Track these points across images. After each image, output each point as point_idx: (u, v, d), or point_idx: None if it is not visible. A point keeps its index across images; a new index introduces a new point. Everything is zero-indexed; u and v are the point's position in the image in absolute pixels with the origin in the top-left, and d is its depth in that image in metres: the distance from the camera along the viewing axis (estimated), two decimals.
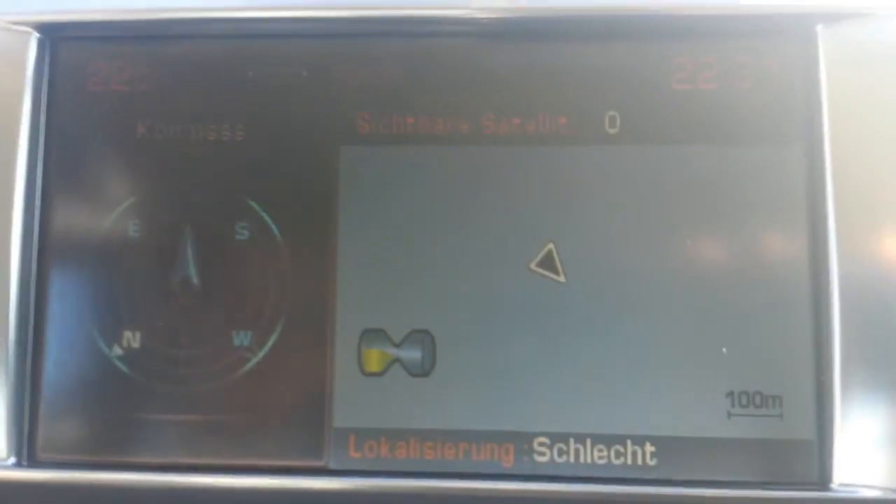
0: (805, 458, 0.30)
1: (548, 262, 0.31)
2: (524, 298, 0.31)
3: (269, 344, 0.32)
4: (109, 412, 0.32)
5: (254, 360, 0.32)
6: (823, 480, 0.30)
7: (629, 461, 0.31)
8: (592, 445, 0.31)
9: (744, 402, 0.30)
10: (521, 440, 0.31)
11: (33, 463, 0.32)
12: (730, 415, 0.30)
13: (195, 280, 0.32)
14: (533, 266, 0.31)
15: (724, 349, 0.30)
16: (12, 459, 0.32)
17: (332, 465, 0.31)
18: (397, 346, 0.31)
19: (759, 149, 0.31)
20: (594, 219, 0.31)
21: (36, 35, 0.33)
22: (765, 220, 0.31)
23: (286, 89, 0.33)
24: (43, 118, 0.33)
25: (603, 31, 0.32)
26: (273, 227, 0.32)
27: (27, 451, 0.32)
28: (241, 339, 0.32)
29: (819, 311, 0.30)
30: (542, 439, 0.31)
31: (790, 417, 0.30)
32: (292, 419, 0.32)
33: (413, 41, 0.32)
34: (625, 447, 0.31)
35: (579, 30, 0.32)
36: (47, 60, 0.33)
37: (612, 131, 0.31)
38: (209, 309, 0.32)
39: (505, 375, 0.31)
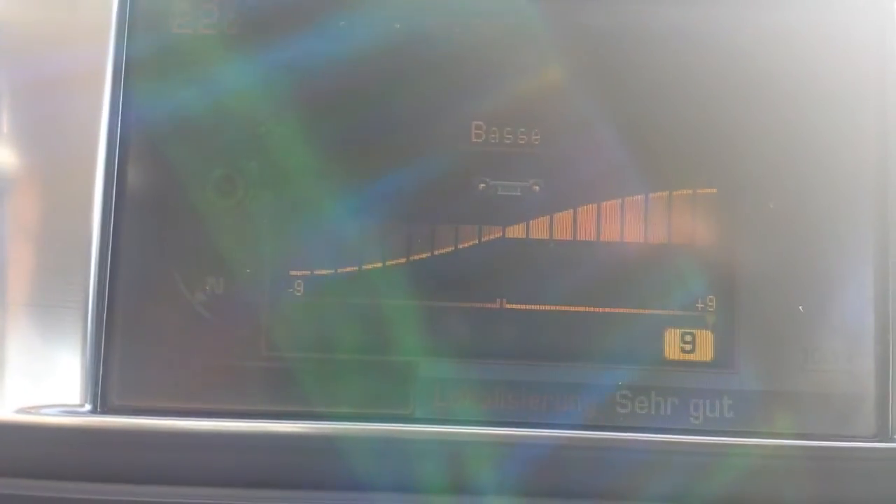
0: (868, 412, 0.32)
1: None
2: None
3: None
4: (190, 358, 0.32)
5: None
6: (884, 432, 0.32)
7: (707, 413, 0.32)
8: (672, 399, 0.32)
9: (816, 358, 0.32)
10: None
11: (109, 410, 0.32)
12: (803, 370, 0.32)
13: None
14: None
15: (800, 308, 0.32)
16: (88, 406, 0.31)
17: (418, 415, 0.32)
18: None
19: None
20: None
21: None
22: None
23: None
24: (124, 59, 0.32)
25: None
26: None
27: (102, 398, 0.32)
28: None
29: (883, 274, 0.32)
30: (623, 391, 0.32)
31: (855, 373, 0.32)
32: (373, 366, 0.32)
33: None
34: (702, 400, 0.32)
35: None
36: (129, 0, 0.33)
37: None
38: None
39: None
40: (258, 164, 0.32)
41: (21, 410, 0.31)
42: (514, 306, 0.32)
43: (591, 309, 0.32)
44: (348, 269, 0.32)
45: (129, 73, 0.32)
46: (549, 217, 0.33)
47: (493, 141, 0.33)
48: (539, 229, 0.33)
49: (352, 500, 0.32)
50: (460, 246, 0.33)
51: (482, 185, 0.33)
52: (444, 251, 0.32)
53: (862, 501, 0.32)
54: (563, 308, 0.32)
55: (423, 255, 0.32)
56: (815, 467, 0.31)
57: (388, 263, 0.32)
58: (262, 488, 0.32)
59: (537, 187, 0.33)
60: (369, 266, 0.32)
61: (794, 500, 0.31)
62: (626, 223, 0.33)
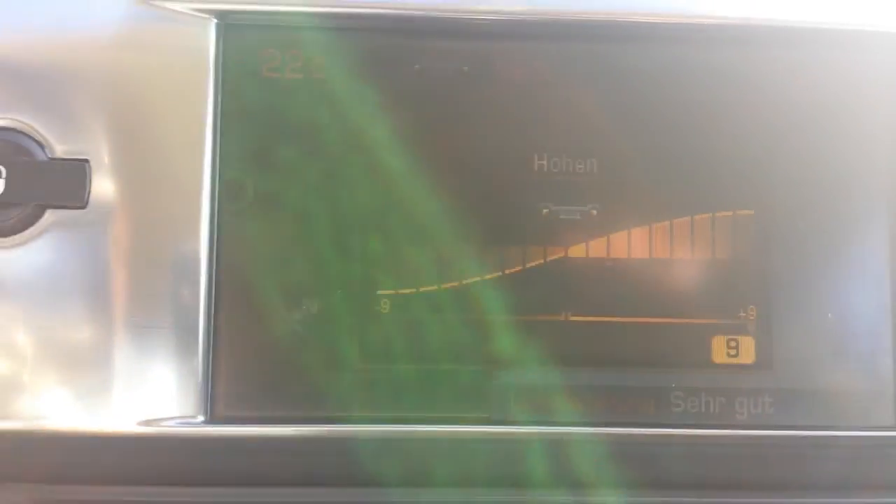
0: (887, 405, 0.37)
1: None
2: None
3: None
4: (289, 371, 0.35)
5: None
6: None
7: (751, 410, 0.36)
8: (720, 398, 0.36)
9: (843, 358, 0.36)
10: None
11: (217, 419, 0.35)
12: (832, 369, 0.36)
13: None
14: None
15: (829, 315, 0.37)
16: (201, 417, 0.35)
17: (495, 417, 0.36)
18: None
19: None
20: None
21: (215, 21, 0.35)
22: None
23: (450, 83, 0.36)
24: (219, 103, 0.36)
25: None
26: None
27: (211, 408, 0.35)
28: None
29: None
30: (676, 392, 0.36)
31: (877, 371, 0.37)
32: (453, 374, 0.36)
33: None
34: (746, 398, 0.36)
35: None
36: (222, 47, 0.36)
37: None
38: None
39: None
40: (346, 196, 0.36)
41: (143, 423, 0.34)
42: (578, 318, 0.36)
43: (646, 319, 0.36)
44: (429, 289, 0.36)
45: (225, 112, 0.36)
46: (606, 238, 0.37)
47: (554, 170, 0.37)
48: (597, 249, 0.37)
49: (436, 495, 0.35)
50: (528, 265, 0.36)
51: (546, 210, 0.37)
52: (513, 271, 0.36)
53: (883, 483, 0.36)
54: (621, 319, 0.36)
55: (496, 275, 0.36)
56: (841, 455, 0.36)
57: (464, 282, 0.36)
58: (353, 486, 0.35)
59: (595, 211, 0.37)
60: (448, 285, 0.36)
61: (826, 485, 0.36)
62: (674, 242, 0.37)
